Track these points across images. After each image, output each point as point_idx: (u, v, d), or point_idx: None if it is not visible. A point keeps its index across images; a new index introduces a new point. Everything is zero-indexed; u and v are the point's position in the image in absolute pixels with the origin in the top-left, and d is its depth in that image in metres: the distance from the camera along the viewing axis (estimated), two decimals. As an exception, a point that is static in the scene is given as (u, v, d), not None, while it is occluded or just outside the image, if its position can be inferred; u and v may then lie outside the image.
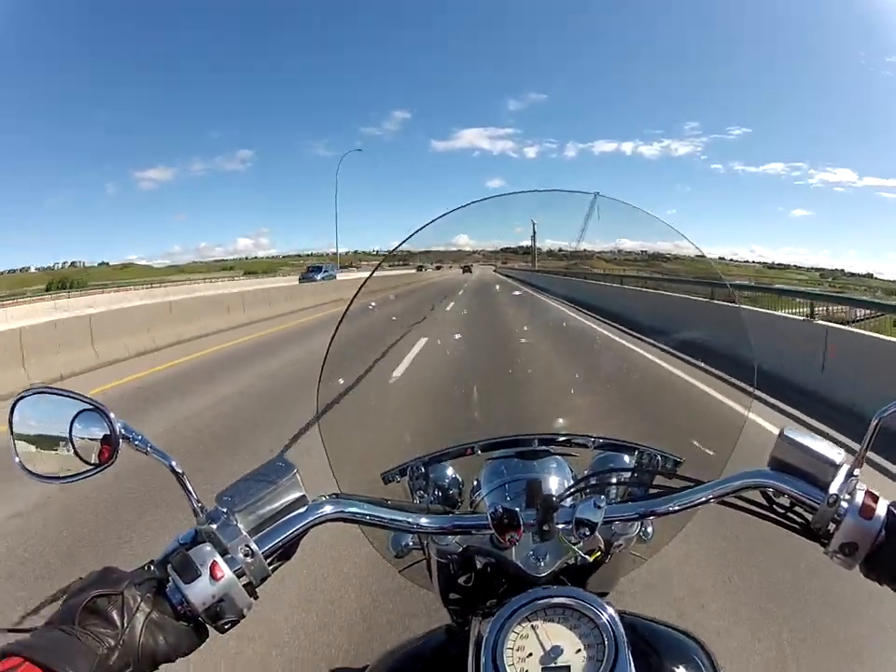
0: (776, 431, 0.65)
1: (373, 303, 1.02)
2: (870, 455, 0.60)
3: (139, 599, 0.51)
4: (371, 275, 0.97)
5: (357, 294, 0.89)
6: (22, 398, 0.61)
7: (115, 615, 0.49)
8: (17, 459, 0.60)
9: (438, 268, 2.25)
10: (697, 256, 1.06)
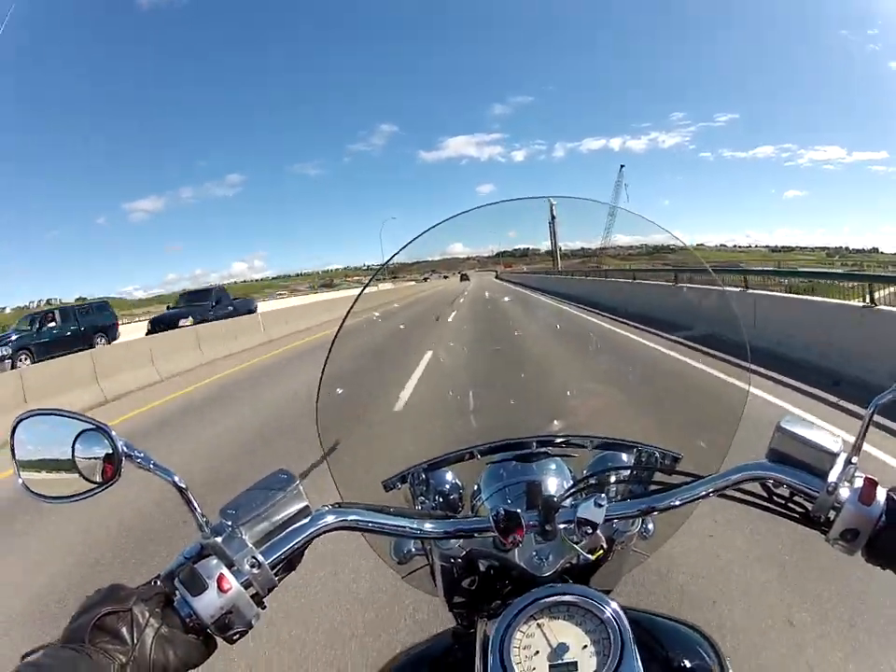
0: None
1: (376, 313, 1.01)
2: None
3: (148, 615, 0.51)
4: (359, 295, 0.94)
5: (348, 313, 0.89)
6: (22, 419, 0.61)
7: (125, 631, 0.49)
8: (20, 481, 0.60)
9: (425, 279, 2.18)
10: (681, 248, 1.07)
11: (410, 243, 0.89)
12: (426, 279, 2.12)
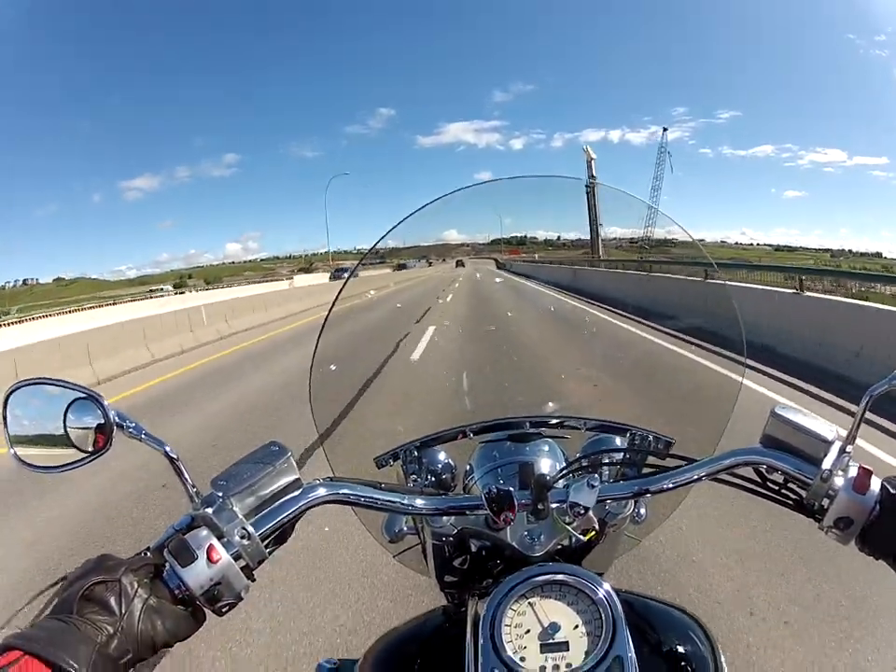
0: None
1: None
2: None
3: (136, 585, 0.51)
4: (346, 281, 0.92)
5: (335, 300, 0.88)
6: (15, 389, 0.61)
7: (113, 602, 0.49)
8: (12, 451, 0.60)
9: (401, 267, 1.80)
10: (685, 241, 1.06)
11: (399, 223, 0.86)
12: (401, 267, 1.71)
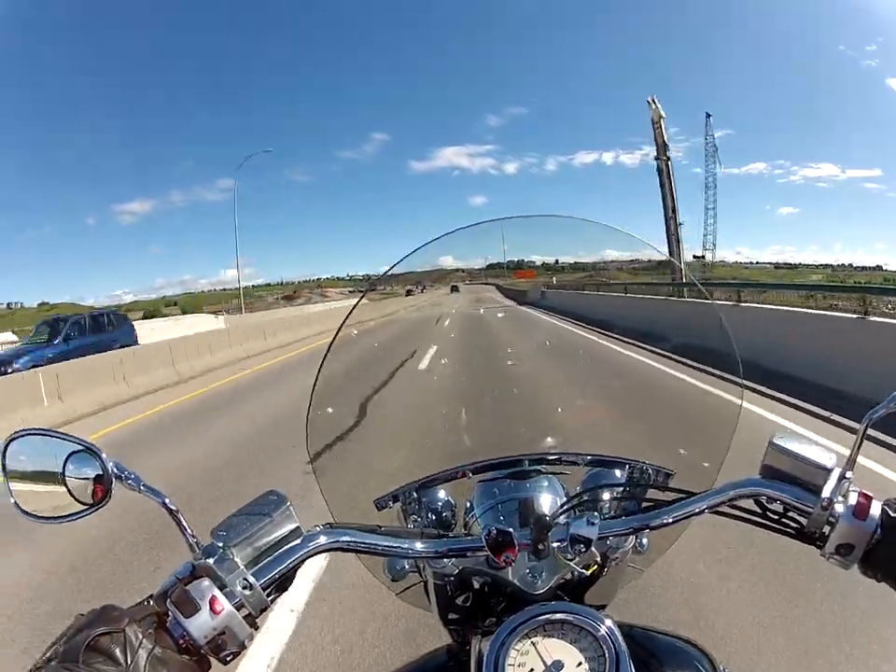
0: None
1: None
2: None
3: (141, 636, 0.51)
4: (352, 310, 0.92)
5: (340, 327, 0.89)
6: (14, 438, 0.61)
7: (118, 653, 0.49)
8: (12, 499, 0.60)
9: (409, 292, 1.66)
10: (664, 261, 1.08)
11: (400, 262, 0.88)
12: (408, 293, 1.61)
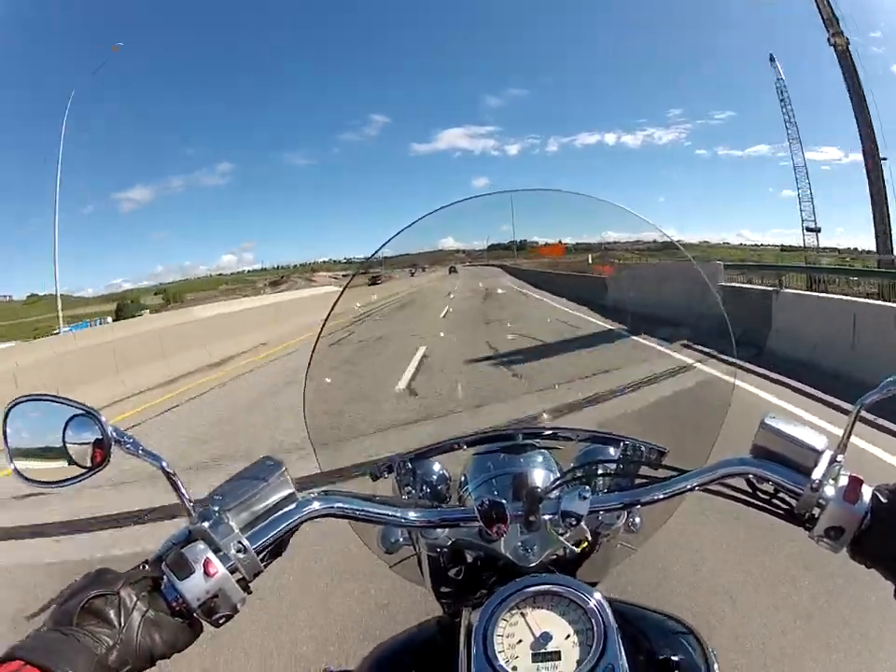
0: None
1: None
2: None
3: (135, 598, 0.52)
4: (339, 297, 0.90)
5: (328, 316, 0.89)
6: (15, 405, 0.62)
7: (112, 614, 0.50)
8: (12, 465, 0.61)
9: (375, 280, 1.40)
10: (666, 242, 1.07)
11: (393, 238, 0.87)
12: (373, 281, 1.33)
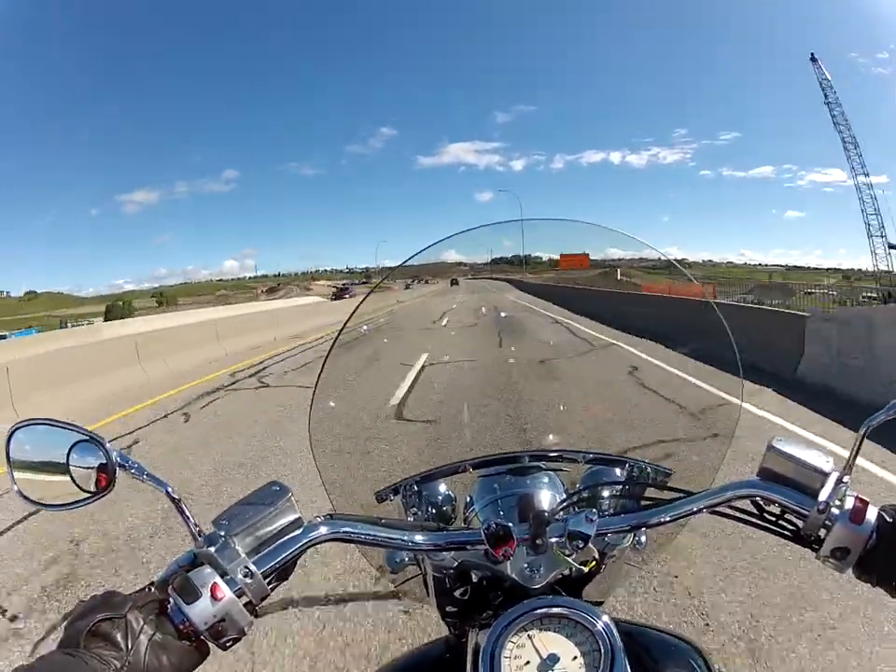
0: None
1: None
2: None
3: (142, 621, 0.52)
4: (357, 307, 0.92)
5: (346, 322, 0.89)
6: (19, 427, 0.62)
7: (119, 637, 0.50)
8: (15, 487, 0.61)
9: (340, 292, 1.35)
10: (664, 260, 1.08)
11: (406, 261, 0.89)
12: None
